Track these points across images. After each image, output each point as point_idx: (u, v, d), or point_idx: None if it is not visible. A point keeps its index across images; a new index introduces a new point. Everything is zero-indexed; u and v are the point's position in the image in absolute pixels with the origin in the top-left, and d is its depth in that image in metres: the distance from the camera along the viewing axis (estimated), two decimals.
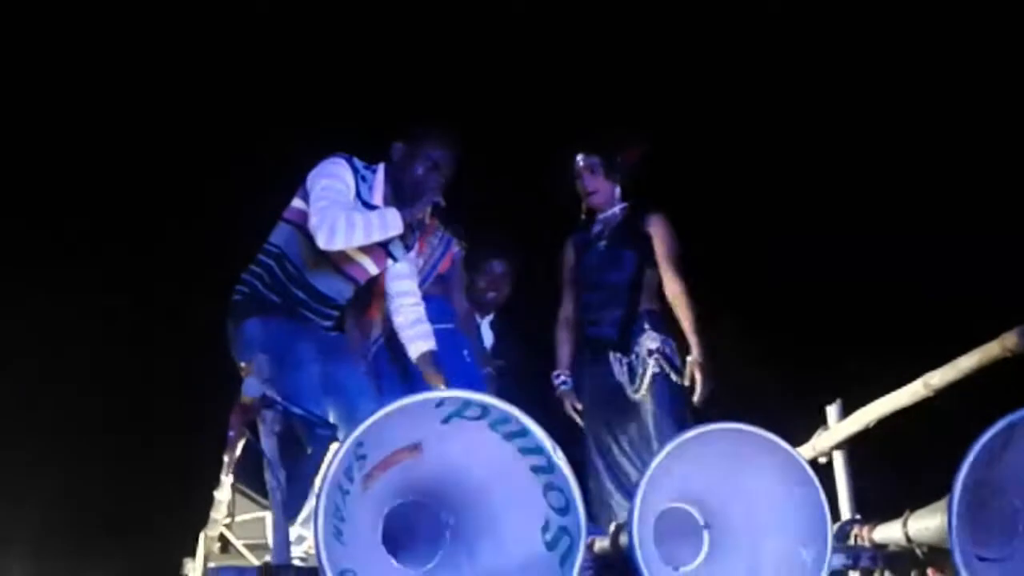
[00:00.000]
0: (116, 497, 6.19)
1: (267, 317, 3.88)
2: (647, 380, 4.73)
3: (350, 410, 3.78)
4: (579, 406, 4.87)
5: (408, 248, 4.10)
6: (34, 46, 6.37)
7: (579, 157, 4.95)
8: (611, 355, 4.81)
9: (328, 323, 4.05)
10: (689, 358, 4.71)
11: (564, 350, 4.99)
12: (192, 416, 5.49)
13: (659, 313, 4.82)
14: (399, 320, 4.17)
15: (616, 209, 4.97)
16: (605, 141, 4.94)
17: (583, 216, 5.01)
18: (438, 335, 4.37)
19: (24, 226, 6.39)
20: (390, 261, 4.09)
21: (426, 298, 4.56)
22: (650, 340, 4.77)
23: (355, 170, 3.98)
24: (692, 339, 4.71)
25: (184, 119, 6.47)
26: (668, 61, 6.50)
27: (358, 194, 3.96)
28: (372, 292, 4.34)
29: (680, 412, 4.69)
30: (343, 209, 3.85)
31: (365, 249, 3.96)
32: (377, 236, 3.90)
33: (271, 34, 6.50)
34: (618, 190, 4.96)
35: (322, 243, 3.83)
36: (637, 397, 4.74)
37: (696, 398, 4.67)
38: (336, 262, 3.95)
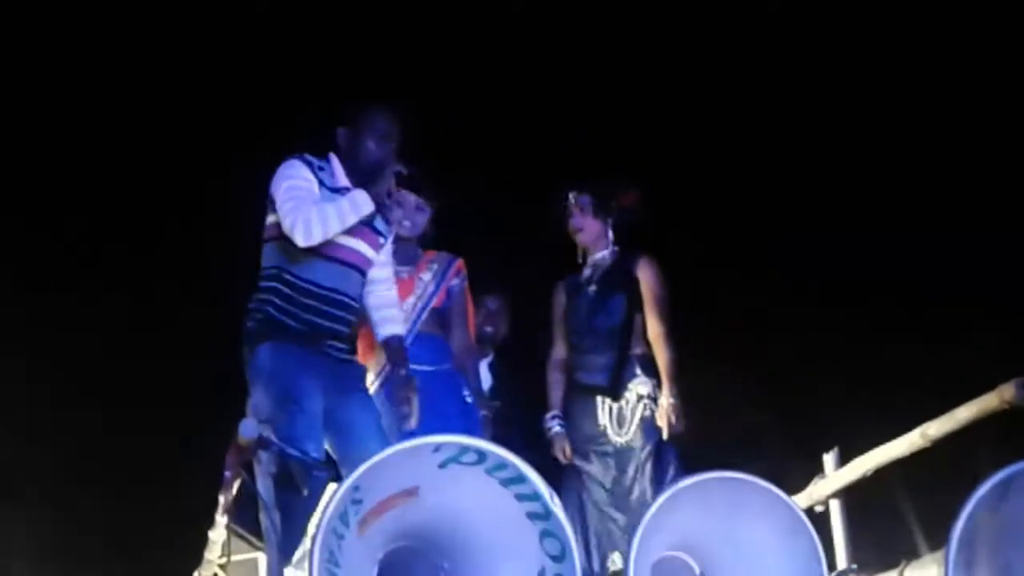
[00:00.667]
0: (110, 534, 6.19)
1: (280, 343, 3.82)
2: (635, 425, 4.71)
3: (350, 451, 3.74)
4: (568, 450, 4.80)
5: (388, 222, 4.06)
6: (34, 46, 6.34)
7: (570, 195, 4.91)
8: (599, 399, 4.78)
9: (343, 334, 3.93)
10: (661, 400, 4.68)
11: (556, 392, 4.93)
12: (190, 424, 5.50)
13: (650, 357, 4.77)
14: (370, 302, 4.10)
15: (606, 253, 4.92)
16: (599, 180, 4.91)
17: (580, 260, 4.98)
18: (436, 377, 4.33)
19: (24, 226, 6.37)
20: (381, 240, 4.07)
21: (421, 337, 4.50)
22: (640, 385, 4.74)
23: (310, 164, 3.94)
24: (667, 382, 4.68)
25: (184, 119, 6.45)
26: (661, 94, 6.49)
27: (323, 184, 3.93)
28: None
29: (670, 458, 4.68)
30: (312, 203, 3.84)
31: (352, 232, 3.91)
32: (352, 219, 3.86)
33: (271, 35, 6.47)
34: (610, 233, 4.94)
35: (301, 241, 3.80)
36: (623, 442, 4.71)
37: (664, 437, 4.65)
38: (325, 252, 3.90)
